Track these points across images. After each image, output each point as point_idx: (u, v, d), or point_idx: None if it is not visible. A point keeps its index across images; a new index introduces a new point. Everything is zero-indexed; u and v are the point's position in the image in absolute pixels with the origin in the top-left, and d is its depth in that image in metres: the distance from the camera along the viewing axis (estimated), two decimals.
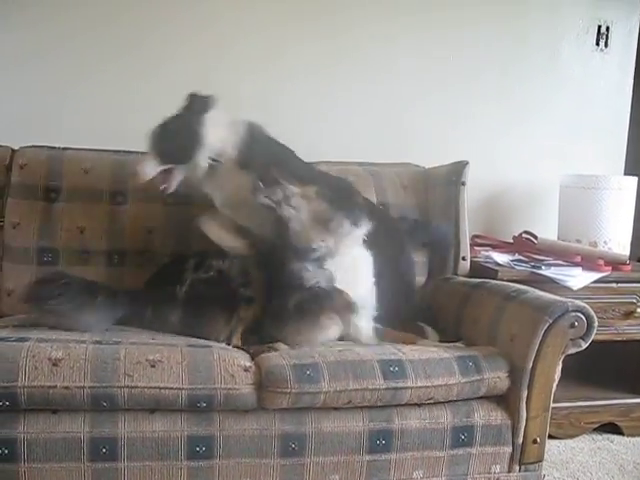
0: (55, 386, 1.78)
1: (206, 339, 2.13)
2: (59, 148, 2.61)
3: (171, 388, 1.82)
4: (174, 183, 2.29)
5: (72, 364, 1.80)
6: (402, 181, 2.81)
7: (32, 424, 1.82)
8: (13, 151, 2.58)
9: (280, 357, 1.96)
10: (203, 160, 2.27)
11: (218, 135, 2.28)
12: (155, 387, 1.82)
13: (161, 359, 1.85)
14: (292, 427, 1.93)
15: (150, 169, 2.23)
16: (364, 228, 2.19)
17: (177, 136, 2.23)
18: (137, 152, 2.44)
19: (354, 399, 1.94)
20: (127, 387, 1.80)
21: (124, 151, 2.62)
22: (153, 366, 1.83)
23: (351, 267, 2.20)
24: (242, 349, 2.08)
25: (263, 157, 2.28)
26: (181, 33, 2.95)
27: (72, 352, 1.84)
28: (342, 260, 2.18)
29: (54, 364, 1.80)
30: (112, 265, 2.52)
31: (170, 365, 1.85)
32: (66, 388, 1.78)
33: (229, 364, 1.89)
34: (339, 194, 2.20)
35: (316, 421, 1.94)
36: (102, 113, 2.89)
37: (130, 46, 2.91)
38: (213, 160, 2.29)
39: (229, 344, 2.15)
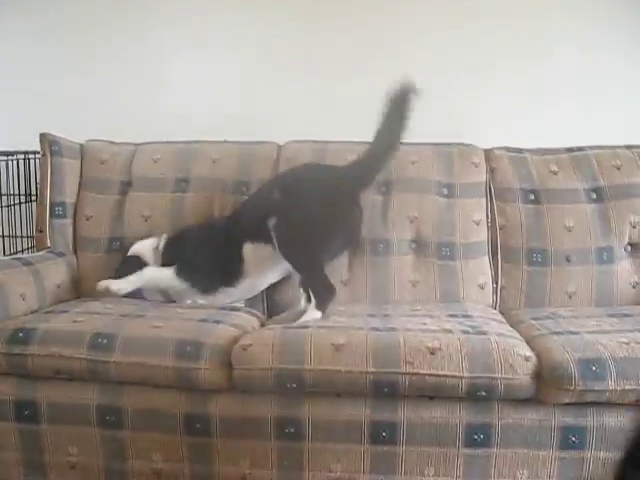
0: (339, 371, 1.86)
1: None
2: (322, 142, 2.72)
3: (451, 376, 1.82)
4: None
5: (354, 350, 1.87)
6: None
7: (316, 406, 1.92)
8: (279, 146, 2.74)
9: (563, 350, 1.87)
10: None
11: None
12: (435, 374, 1.83)
13: (440, 347, 1.86)
14: (572, 420, 1.87)
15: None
16: None
17: None
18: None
19: None
20: (408, 374, 1.83)
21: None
22: (433, 353, 1.84)
23: None
24: None
25: None
26: None
27: (353, 338, 1.91)
28: None
29: (337, 349, 1.88)
30: None
31: (449, 353, 1.85)
32: (349, 372, 1.85)
33: (509, 353, 1.85)
34: None
35: (598, 414, 1.86)
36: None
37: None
38: None
39: None
